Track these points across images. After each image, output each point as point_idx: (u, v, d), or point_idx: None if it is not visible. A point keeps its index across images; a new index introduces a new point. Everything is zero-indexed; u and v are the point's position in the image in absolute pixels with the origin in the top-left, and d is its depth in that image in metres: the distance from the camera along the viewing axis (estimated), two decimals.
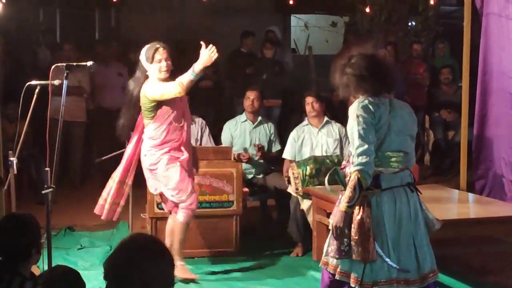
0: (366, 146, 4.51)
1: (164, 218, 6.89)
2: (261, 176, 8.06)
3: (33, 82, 5.22)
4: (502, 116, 7.86)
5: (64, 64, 5.11)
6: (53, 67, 5.20)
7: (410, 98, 11.03)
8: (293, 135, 7.70)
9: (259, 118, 8.22)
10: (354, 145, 4.55)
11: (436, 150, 11.11)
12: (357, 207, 4.58)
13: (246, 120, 8.18)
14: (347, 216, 4.56)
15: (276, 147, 8.15)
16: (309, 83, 12.18)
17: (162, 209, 6.86)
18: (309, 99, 7.67)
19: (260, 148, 7.92)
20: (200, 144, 7.99)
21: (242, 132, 8.15)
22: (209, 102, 10.89)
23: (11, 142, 5.80)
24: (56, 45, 11.36)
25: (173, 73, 10.02)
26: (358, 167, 4.50)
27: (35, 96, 5.23)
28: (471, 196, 7.02)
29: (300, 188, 7.05)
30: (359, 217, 4.58)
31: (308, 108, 7.65)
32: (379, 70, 4.75)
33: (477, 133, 8.28)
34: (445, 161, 10.61)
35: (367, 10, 10.75)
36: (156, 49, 6.24)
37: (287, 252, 7.32)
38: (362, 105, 4.63)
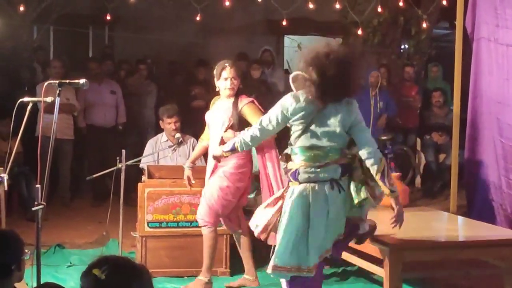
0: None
1: (154, 237, 6.88)
2: (252, 196, 8.05)
3: (26, 99, 5.11)
4: (491, 141, 7.89)
5: (57, 81, 5.02)
6: (45, 84, 5.13)
7: (401, 120, 11.09)
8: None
9: None
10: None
11: (427, 172, 11.12)
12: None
13: None
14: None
15: None
16: None
17: (152, 227, 6.87)
18: None
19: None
20: None
21: None
22: (202, 122, 10.90)
23: (4, 159, 5.74)
24: (49, 63, 11.35)
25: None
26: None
27: (27, 113, 5.15)
28: (460, 219, 7.03)
29: None
30: (280, 203, 5.08)
31: None
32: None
33: (467, 157, 8.31)
34: (436, 184, 10.63)
35: (360, 32, 10.77)
36: (224, 67, 6.38)
37: None
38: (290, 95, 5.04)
